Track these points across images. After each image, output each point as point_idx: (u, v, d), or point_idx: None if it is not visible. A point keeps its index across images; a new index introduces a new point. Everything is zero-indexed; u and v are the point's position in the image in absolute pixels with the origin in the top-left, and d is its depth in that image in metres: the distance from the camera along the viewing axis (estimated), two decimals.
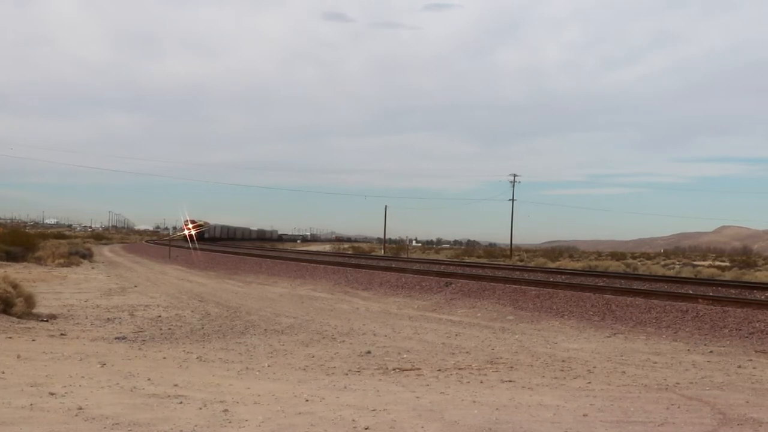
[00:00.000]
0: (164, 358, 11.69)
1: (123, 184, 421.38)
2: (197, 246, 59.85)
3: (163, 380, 9.31)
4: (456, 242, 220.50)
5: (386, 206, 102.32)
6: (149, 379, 9.31)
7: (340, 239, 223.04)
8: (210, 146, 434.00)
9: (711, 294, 21.66)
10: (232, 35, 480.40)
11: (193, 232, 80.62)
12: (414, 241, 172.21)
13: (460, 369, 11.31)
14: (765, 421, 7.56)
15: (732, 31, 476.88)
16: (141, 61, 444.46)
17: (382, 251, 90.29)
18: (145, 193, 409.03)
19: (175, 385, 8.93)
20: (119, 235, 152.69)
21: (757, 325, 16.11)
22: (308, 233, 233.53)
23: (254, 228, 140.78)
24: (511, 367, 11.54)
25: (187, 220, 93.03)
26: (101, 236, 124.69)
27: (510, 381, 10.27)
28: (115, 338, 13.91)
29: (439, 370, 11.21)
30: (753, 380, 10.87)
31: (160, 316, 17.66)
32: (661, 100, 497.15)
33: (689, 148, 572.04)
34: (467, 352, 13.14)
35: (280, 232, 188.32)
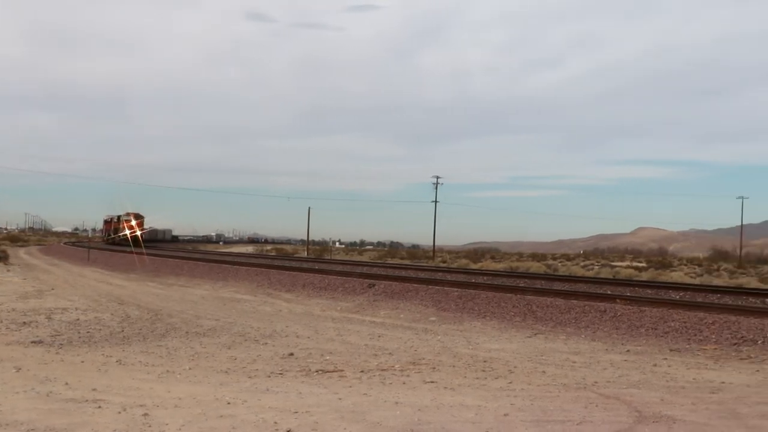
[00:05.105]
0: (82, 362, 11.44)
1: (40, 185, 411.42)
2: (143, 249, 54.00)
3: (81, 384, 9.12)
4: (379, 244, 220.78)
5: (309, 208, 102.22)
6: (66, 384, 9.11)
7: (254, 240, 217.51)
8: (132, 147, 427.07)
9: (628, 294, 22.15)
10: (153, 34, 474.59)
11: (137, 232, 72.61)
12: (337, 243, 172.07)
13: (382, 370, 11.33)
14: (678, 418, 7.75)
15: (652, 37, 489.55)
16: (59, 58, 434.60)
17: (306, 253, 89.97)
18: (63, 195, 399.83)
19: (94, 390, 8.77)
20: (36, 236, 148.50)
21: (672, 324, 16.54)
22: (213, 233, 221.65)
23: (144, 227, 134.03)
24: (434, 368, 11.60)
25: (129, 215, 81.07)
26: (17, 238, 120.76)
27: (432, 382, 10.32)
28: (31, 342, 13.55)
29: (362, 371, 11.20)
30: (668, 378, 11.14)
31: (78, 320, 17.26)
32: (583, 103, 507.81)
33: (609, 150, 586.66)
34: (390, 354, 13.17)
35: (174, 233, 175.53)
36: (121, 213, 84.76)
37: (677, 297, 21.76)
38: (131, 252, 52.85)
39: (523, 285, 25.80)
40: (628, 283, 29.91)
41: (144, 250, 52.87)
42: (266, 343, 14.18)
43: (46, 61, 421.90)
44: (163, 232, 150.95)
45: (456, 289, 23.57)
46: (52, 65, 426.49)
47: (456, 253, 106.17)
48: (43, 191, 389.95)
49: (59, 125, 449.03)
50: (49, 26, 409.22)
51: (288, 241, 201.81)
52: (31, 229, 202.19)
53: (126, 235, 72.21)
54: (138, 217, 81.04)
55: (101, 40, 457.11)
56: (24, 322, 16.39)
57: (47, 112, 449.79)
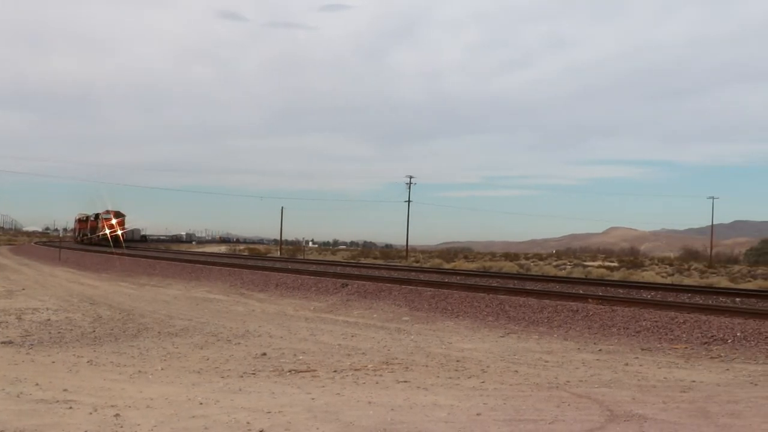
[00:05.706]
0: (53, 362, 11.35)
1: (10, 184, 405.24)
2: (124, 249, 52.23)
3: (52, 385, 9.05)
4: (353, 243, 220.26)
5: (282, 207, 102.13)
6: (37, 384, 9.04)
7: (226, 240, 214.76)
8: (103, 146, 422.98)
9: (600, 294, 22.27)
10: (125, 32, 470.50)
11: (118, 231, 70.15)
12: (311, 242, 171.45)
13: (355, 370, 11.31)
14: (650, 417, 7.80)
15: (623, 37, 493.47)
16: (28, 57, 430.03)
17: (279, 252, 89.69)
18: (34, 194, 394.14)
19: (65, 390, 8.69)
20: (6, 236, 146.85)
21: (643, 323, 16.66)
22: (183, 233, 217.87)
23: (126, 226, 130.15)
24: (407, 368, 11.60)
25: (108, 213, 77.19)
26: None
27: (405, 381, 10.32)
28: (1, 342, 13.44)
29: (335, 371, 11.18)
30: (639, 377, 11.22)
31: (49, 320, 17.12)
32: (556, 103, 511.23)
33: (582, 150, 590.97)
34: (363, 353, 13.16)
35: (143, 232, 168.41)
36: (100, 211, 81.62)
37: (649, 296, 21.92)
38: (104, 252, 52.23)
39: (495, 284, 25.86)
40: (600, 282, 30.09)
41: (125, 250, 51.44)
42: (239, 343, 14.12)
43: (16, 59, 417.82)
44: (132, 231, 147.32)
45: (429, 289, 23.59)
46: (23, 64, 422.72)
47: (429, 252, 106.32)
48: (14, 191, 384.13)
49: (30, 124, 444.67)
50: (19, 24, 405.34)
51: (261, 241, 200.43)
52: (1, 228, 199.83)
53: (106, 234, 69.62)
54: (119, 215, 77.44)
55: (72, 39, 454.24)
56: None
57: (17, 111, 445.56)
